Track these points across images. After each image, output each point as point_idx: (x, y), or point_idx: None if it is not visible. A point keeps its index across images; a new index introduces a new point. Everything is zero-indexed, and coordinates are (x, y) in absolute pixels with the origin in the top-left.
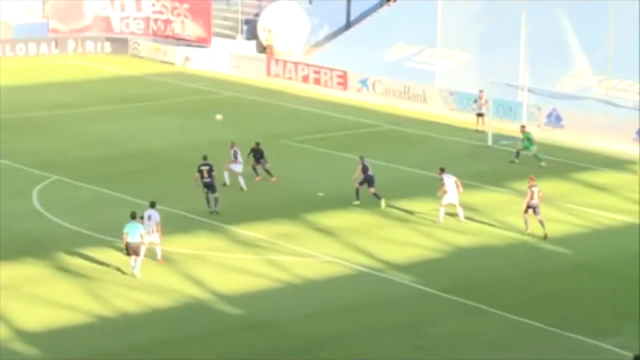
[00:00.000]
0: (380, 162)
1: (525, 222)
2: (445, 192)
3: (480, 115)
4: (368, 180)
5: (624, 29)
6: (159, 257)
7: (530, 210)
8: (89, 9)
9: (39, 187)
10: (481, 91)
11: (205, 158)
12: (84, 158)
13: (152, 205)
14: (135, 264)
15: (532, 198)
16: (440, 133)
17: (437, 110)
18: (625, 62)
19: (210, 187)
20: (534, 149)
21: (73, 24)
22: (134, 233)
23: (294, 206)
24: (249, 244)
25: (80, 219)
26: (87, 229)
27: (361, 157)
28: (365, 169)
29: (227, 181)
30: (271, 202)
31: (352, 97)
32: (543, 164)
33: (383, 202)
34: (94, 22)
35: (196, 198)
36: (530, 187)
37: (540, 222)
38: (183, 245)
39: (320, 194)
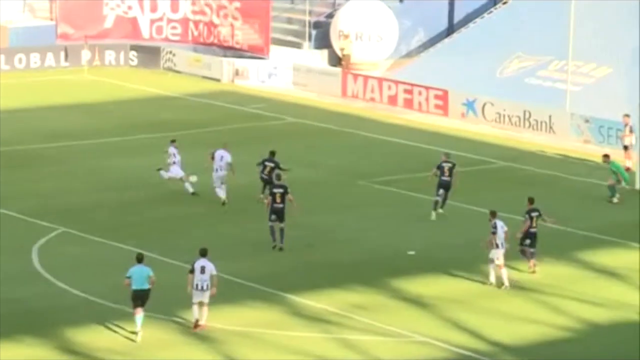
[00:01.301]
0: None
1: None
2: (492, 244)
3: (626, 148)
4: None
5: None
6: (202, 321)
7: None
8: (109, 8)
9: (41, 242)
10: (627, 116)
11: (278, 178)
12: (101, 203)
13: (203, 253)
14: (138, 322)
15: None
16: (572, 172)
17: (568, 142)
18: None
19: (279, 214)
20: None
21: (89, 28)
22: (140, 279)
23: (373, 268)
24: (314, 318)
25: (91, 283)
26: (99, 296)
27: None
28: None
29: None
30: (343, 262)
31: (454, 124)
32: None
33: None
34: (116, 26)
35: (245, 255)
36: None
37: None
38: (226, 318)
39: (411, 253)
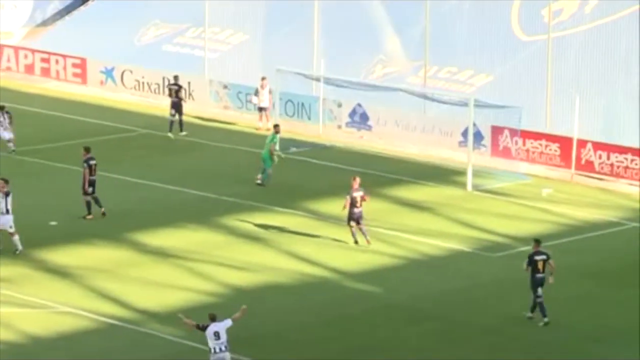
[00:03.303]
0: (133, 178)
1: (353, 235)
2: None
3: (263, 109)
4: None
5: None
6: None
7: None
8: None
9: None
10: (264, 79)
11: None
12: None
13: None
14: None
15: (355, 205)
16: (214, 139)
17: (208, 108)
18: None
19: None
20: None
21: None
22: None
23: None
24: None
25: None
26: None
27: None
28: None
29: None
30: None
31: (93, 92)
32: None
33: None
34: None
35: None
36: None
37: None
38: None
39: (53, 223)
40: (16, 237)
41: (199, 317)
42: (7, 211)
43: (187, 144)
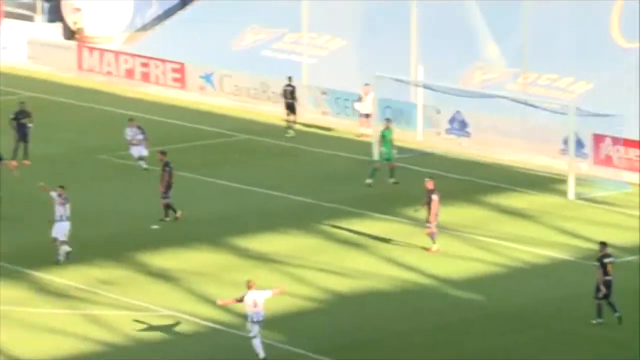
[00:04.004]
0: (233, 183)
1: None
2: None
3: (365, 116)
4: None
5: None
6: None
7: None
8: None
9: None
10: (366, 85)
11: None
12: None
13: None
14: None
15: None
16: (313, 145)
17: (306, 113)
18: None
19: None
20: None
21: None
22: None
23: (118, 243)
24: (60, 295)
25: None
26: None
27: None
28: None
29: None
30: (88, 237)
31: (192, 97)
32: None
33: None
34: None
35: None
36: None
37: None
38: None
39: (155, 227)
40: (64, 247)
41: (298, 323)
42: (65, 218)
43: (287, 149)
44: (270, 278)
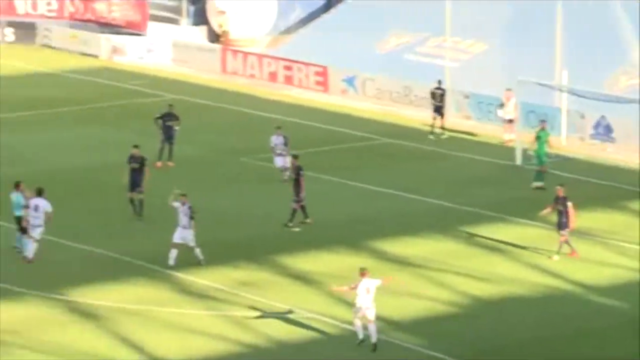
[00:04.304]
0: (373, 186)
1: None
2: None
3: (509, 122)
4: None
5: None
6: (30, 255)
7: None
8: None
9: None
10: (508, 90)
11: None
12: None
13: (40, 193)
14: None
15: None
16: (454, 149)
17: (448, 117)
18: None
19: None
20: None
21: None
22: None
23: (258, 245)
24: (201, 295)
25: None
26: None
27: None
28: None
29: None
30: (228, 239)
31: (335, 100)
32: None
33: None
34: None
35: (131, 233)
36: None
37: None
38: (114, 296)
39: (296, 229)
40: (198, 250)
41: (438, 328)
42: (189, 226)
43: (427, 153)
44: (410, 282)
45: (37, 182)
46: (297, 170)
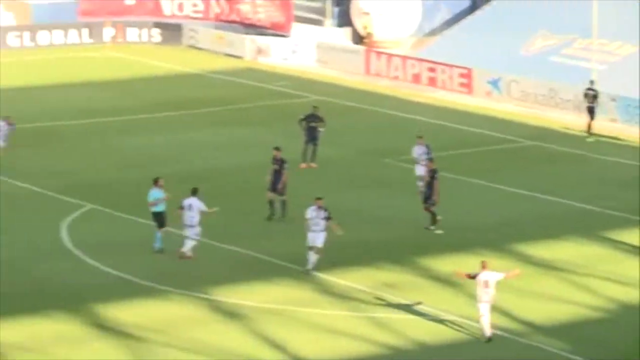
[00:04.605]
0: (515, 189)
1: None
2: None
3: None
4: None
5: None
6: (188, 252)
7: None
8: None
9: (69, 219)
10: None
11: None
12: (126, 180)
13: (194, 192)
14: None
15: None
16: (599, 152)
17: (594, 120)
18: None
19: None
20: None
21: (110, 5)
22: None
23: (402, 247)
24: (344, 296)
25: (121, 260)
26: (129, 273)
27: None
28: None
29: None
30: (372, 240)
31: (479, 102)
32: None
33: None
34: (139, 4)
35: (274, 234)
36: None
37: None
38: (257, 296)
39: (439, 232)
40: (315, 256)
41: (584, 332)
42: (325, 229)
43: (571, 155)
44: (555, 286)
45: (183, 182)
46: (433, 174)
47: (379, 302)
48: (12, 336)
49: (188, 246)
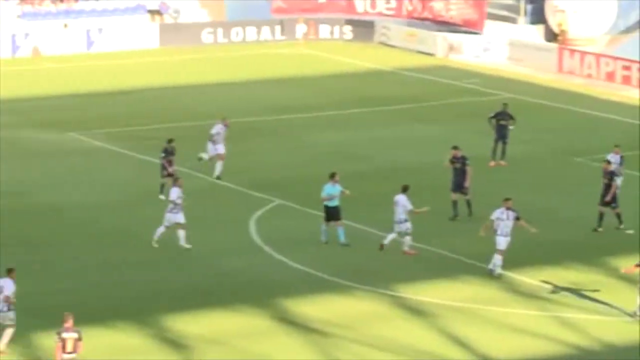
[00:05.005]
0: None
1: None
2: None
3: None
4: None
5: None
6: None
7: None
8: None
9: (257, 214)
10: None
11: None
12: (316, 177)
13: (404, 190)
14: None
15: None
16: None
17: None
18: None
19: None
20: None
21: (303, 2)
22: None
23: (592, 247)
24: (531, 296)
25: (309, 256)
26: (317, 269)
27: None
28: None
29: None
30: (561, 240)
31: None
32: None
33: None
34: (331, 1)
35: (461, 232)
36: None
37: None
38: (442, 293)
39: (630, 232)
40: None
41: None
42: (508, 234)
43: None
44: None
45: (374, 180)
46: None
47: (565, 301)
48: (199, 329)
49: (406, 243)
